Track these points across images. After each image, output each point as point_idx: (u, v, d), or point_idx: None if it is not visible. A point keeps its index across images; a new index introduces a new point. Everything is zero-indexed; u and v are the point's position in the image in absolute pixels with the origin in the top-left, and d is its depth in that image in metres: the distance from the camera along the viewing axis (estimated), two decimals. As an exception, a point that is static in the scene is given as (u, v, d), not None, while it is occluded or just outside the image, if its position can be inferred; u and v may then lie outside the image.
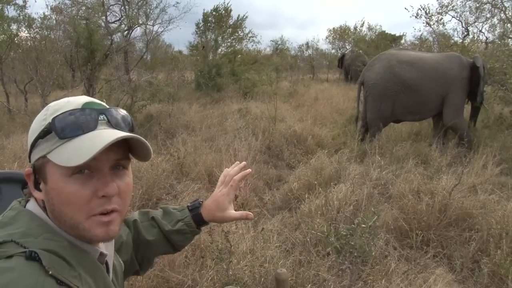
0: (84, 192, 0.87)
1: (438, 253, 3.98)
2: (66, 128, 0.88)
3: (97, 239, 0.93)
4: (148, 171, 5.38)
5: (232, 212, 1.48)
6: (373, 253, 3.55)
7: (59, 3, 12.81)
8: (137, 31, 15.67)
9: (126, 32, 14.75)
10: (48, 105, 0.94)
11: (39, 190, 0.92)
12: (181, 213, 1.49)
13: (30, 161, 0.92)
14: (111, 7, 15.11)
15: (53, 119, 0.88)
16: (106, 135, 0.89)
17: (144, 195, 5.00)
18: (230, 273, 3.16)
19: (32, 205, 0.93)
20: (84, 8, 12.30)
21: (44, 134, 0.88)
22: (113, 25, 14.53)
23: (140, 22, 14.53)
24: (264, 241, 3.73)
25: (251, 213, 1.50)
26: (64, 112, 0.89)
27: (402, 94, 7.62)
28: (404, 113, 7.85)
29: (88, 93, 9.72)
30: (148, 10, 14.84)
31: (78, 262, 0.87)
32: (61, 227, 0.91)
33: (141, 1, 14.96)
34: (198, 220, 1.46)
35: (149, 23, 14.92)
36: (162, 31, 15.65)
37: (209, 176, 5.83)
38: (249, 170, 1.59)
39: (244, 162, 1.61)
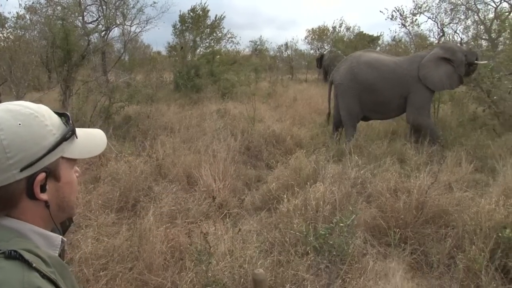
0: (76, 179, 1.08)
1: (416, 250, 4.04)
2: (75, 130, 1.04)
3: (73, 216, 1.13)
4: (126, 173, 5.34)
5: None
6: (351, 252, 3.58)
7: (33, 2, 12.62)
8: (115, 32, 15.57)
9: (103, 33, 14.60)
10: (33, 110, 0.96)
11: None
12: None
13: (32, 167, 0.93)
14: (88, 7, 14.96)
15: (71, 122, 1.04)
16: (96, 132, 1.15)
17: (122, 197, 4.96)
18: (210, 274, 3.16)
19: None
20: (60, 8, 12.10)
21: (69, 136, 1.01)
22: (90, 25, 14.36)
23: (118, 23, 14.41)
24: (243, 242, 3.74)
25: None
26: (66, 117, 1.04)
27: (362, 94, 8.03)
28: (369, 111, 8.25)
29: (64, 95, 9.57)
30: (126, 10, 14.75)
31: (50, 262, 0.90)
32: (59, 217, 1.04)
33: (119, 1, 14.83)
34: None
35: (126, 24, 14.84)
36: (140, 32, 15.59)
37: (188, 178, 5.82)
38: None
39: None
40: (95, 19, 15.22)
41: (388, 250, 4.07)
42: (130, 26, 15.01)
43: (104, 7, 14.77)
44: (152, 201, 4.85)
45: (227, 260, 3.39)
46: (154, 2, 15.21)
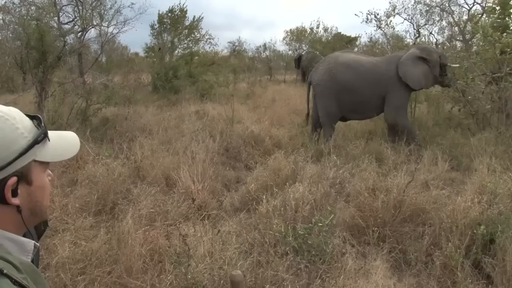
0: (49, 182, 1.06)
1: (394, 248, 4.09)
2: (47, 133, 1.02)
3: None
4: (104, 176, 5.27)
5: None
6: (330, 251, 3.61)
7: (5, 2, 12.40)
8: (92, 33, 15.33)
9: (80, 34, 14.40)
10: (4, 113, 0.94)
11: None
12: None
13: (2, 171, 0.92)
14: (63, 8, 14.74)
15: (43, 125, 1.02)
16: (68, 135, 1.14)
17: (100, 200, 4.90)
18: (189, 276, 3.14)
19: None
20: (34, 8, 11.91)
21: (41, 139, 0.99)
22: (66, 26, 14.17)
23: (95, 23, 14.19)
24: (223, 243, 3.73)
25: None
26: (37, 119, 1.03)
27: (341, 94, 8.09)
28: (347, 111, 8.32)
29: (40, 97, 9.41)
30: (103, 11, 14.55)
31: (22, 268, 0.89)
32: (32, 222, 1.03)
33: (95, 2, 14.64)
34: None
35: (103, 24, 14.61)
36: (117, 33, 15.35)
37: (167, 179, 5.78)
38: None
39: None
40: (71, 19, 15.02)
41: (367, 249, 4.11)
42: (107, 27, 14.79)
43: (80, 7, 14.58)
44: (131, 203, 4.80)
45: (206, 262, 3.37)
46: (132, 3, 15.10)
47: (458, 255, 3.53)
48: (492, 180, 4.70)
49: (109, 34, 15.09)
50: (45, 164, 1.03)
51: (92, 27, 14.32)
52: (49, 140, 1.03)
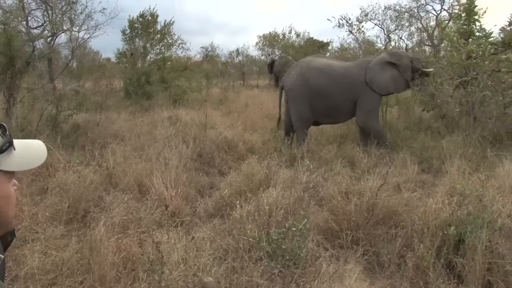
0: (14, 192, 1.05)
1: (367, 251, 4.13)
2: (12, 142, 1.01)
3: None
4: (75, 183, 5.17)
5: None
6: (304, 256, 3.62)
7: (-32, 4, 12.07)
8: (62, 38, 15.03)
9: (49, 39, 14.11)
10: None
11: None
12: None
13: None
14: (32, 12, 14.40)
15: (8, 134, 1.01)
16: (35, 143, 1.12)
17: (71, 208, 4.81)
18: (163, 284, 3.11)
19: None
20: (1, 12, 11.63)
21: (6, 148, 0.99)
22: (35, 31, 13.83)
23: (65, 28, 13.96)
24: (197, 250, 3.70)
25: None
26: (2, 128, 1.02)
27: (313, 99, 8.15)
28: (320, 115, 8.39)
29: (8, 103, 9.21)
30: (73, 15, 14.30)
31: None
32: None
33: (65, 6, 14.38)
34: None
35: (74, 29, 14.39)
36: (88, 38, 15.14)
37: (139, 186, 5.72)
38: None
39: None
40: (40, 24, 14.64)
41: (341, 252, 4.14)
42: (78, 32, 14.56)
43: (49, 12, 14.29)
44: (103, 211, 4.73)
45: (180, 269, 3.34)
46: (103, 8, 14.88)
47: (430, 256, 3.60)
48: (461, 182, 4.80)
49: (80, 39, 14.88)
50: (10, 174, 1.02)
51: (62, 32, 14.07)
52: (14, 149, 1.01)
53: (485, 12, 9.36)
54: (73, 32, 14.35)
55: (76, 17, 14.28)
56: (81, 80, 13.87)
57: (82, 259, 3.67)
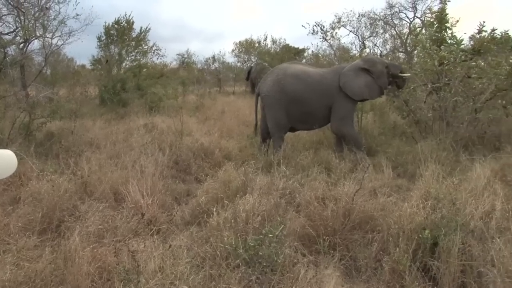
0: None
1: (344, 256, 4.15)
2: None
3: None
4: (49, 193, 5.07)
5: None
6: (281, 262, 3.62)
7: None
8: (35, 44, 14.78)
9: (22, 45, 13.88)
10: None
11: None
12: None
13: None
14: (3, 17, 14.14)
15: None
16: (4, 154, 1.13)
17: (44, 218, 4.72)
18: (139, 293, 3.08)
19: None
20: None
21: None
22: (7, 36, 13.58)
23: (38, 34, 13.72)
24: (174, 258, 3.67)
25: None
26: None
27: (290, 105, 8.14)
28: (296, 122, 8.37)
29: (-22, 111, 9.01)
30: (46, 21, 14.09)
31: None
32: None
33: (38, 12, 14.17)
34: None
35: (47, 36, 14.16)
36: (62, 44, 14.91)
37: (115, 194, 5.65)
38: None
39: None
40: (12, 30, 14.40)
41: (318, 258, 4.15)
42: (52, 38, 14.32)
43: (22, 17, 14.05)
44: (78, 220, 4.65)
45: (157, 278, 3.30)
46: (77, 14, 14.70)
47: (406, 259, 3.64)
48: (435, 186, 4.88)
49: (53, 45, 14.62)
50: None
51: (35, 38, 13.82)
52: None
53: (457, 21, 9.56)
54: (46, 38, 14.10)
55: (49, 23, 14.05)
56: (55, 87, 13.69)
57: (56, 270, 3.60)
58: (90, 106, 14.80)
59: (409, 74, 8.90)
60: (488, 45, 8.74)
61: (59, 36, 14.43)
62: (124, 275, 3.18)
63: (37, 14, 14.10)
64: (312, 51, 20.84)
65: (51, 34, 14.21)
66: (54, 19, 14.14)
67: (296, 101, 8.06)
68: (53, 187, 5.22)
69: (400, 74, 8.56)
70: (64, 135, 9.19)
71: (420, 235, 3.82)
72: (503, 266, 3.37)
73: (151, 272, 3.39)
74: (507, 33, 8.99)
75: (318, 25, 18.75)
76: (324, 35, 18.74)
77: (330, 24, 19.31)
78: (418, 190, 5.05)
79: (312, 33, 18.90)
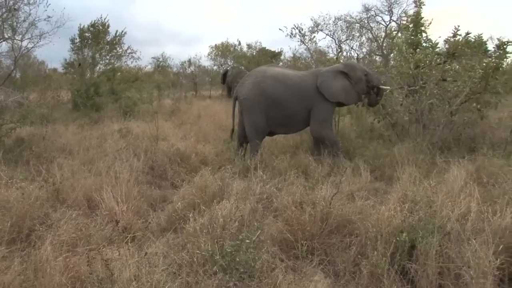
0: None
1: (323, 261, 4.13)
2: None
3: None
4: (19, 201, 4.90)
5: None
6: (259, 267, 3.57)
7: None
8: (3, 46, 14.43)
9: (-12, 47, 13.56)
10: None
11: None
12: None
13: None
14: (-30, 19, 13.80)
15: None
16: None
17: (14, 227, 4.55)
18: (113, 303, 2.97)
19: None
20: None
21: None
22: (-27, 38, 13.25)
23: (6, 37, 13.40)
24: (150, 266, 3.57)
25: None
26: None
27: (270, 108, 8.08)
28: (275, 125, 8.31)
29: None
30: (15, 23, 13.76)
31: None
32: None
33: (6, 13, 13.83)
34: None
35: (16, 38, 13.82)
36: (32, 47, 14.56)
37: (89, 202, 5.51)
38: None
39: None
40: (-22, 32, 14.07)
41: (296, 263, 4.11)
42: (21, 41, 13.99)
43: (-13, 18, 13.70)
44: (50, 229, 4.49)
45: (133, 286, 3.21)
46: (49, 16, 14.39)
47: (384, 262, 3.63)
48: (412, 189, 4.89)
49: (23, 48, 14.28)
50: None
51: (4, 40, 13.48)
52: None
53: (430, 23, 9.67)
54: (15, 40, 13.78)
55: (18, 25, 13.70)
56: (25, 92, 13.37)
57: (26, 281, 3.47)
58: (62, 111, 14.54)
59: (388, 88, 8.92)
60: (462, 49, 8.90)
61: (29, 38, 14.06)
62: (97, 284, 3.08)
63: (5, 15, 13.75)
64: (294, 54, 20.87)
65: (21, 36, 13.86)
66: (24, 20, 13.79)
67: (276, 104, 8.00)
68: (23, 194, 5.04)
69: (380, 86, 8.59)
70: (35, 141, 8.95)
71: (398, 238, 3.81)
72: (478, 267, 3.38)
73: (126, 281, 3.29)
74: (481, 37, 9.19)
75: (297, 28, 18.85)
76: (302, 38, 18.85)
77: (308, 28, 19.40)
78: (396, 193, 5.06)
79: (290, 36, 18.99)
